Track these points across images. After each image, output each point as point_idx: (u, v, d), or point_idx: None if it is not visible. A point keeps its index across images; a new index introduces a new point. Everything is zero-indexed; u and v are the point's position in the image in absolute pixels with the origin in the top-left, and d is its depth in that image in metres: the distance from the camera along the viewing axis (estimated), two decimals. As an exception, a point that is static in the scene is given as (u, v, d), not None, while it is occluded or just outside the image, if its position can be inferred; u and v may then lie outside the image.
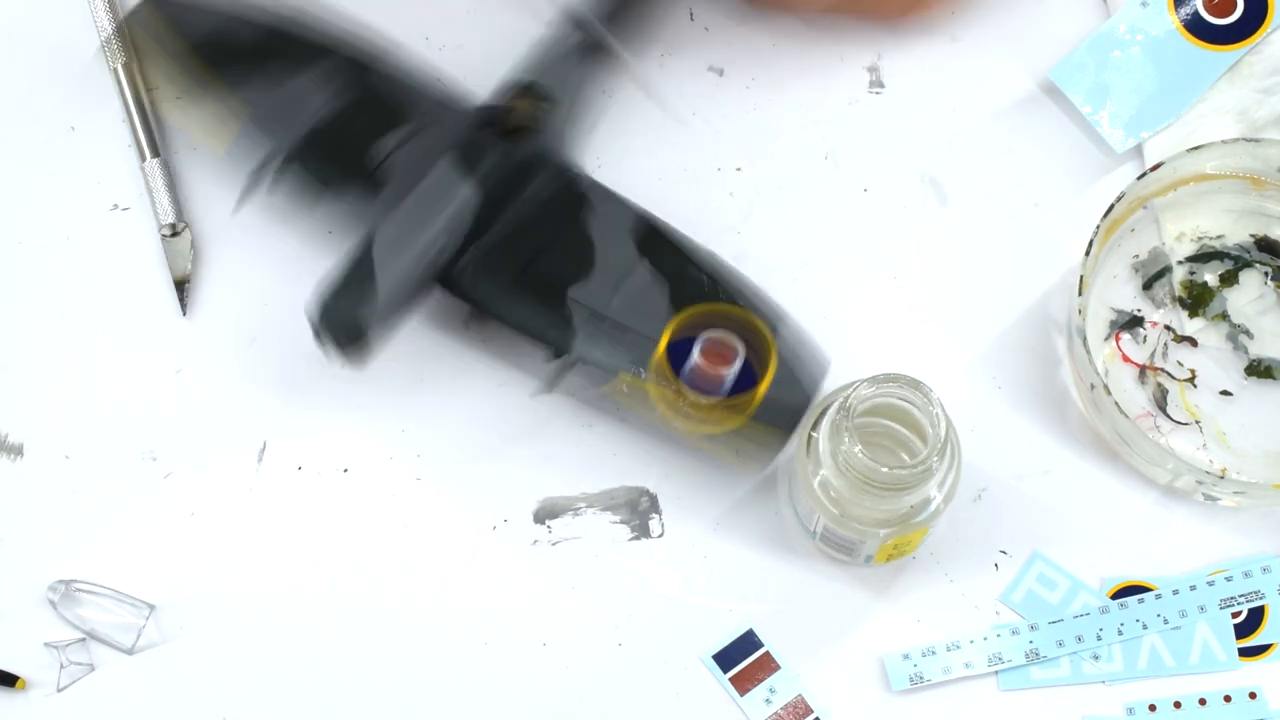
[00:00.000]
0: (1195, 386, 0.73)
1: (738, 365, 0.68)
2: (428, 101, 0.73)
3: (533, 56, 0.72)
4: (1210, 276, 0.74)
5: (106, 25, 0.78)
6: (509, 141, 0.70)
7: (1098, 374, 0.69)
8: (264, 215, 0.76)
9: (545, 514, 0.72)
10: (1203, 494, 0.70)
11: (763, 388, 0.68)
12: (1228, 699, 0.69)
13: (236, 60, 0.73)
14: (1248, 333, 0.74)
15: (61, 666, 0.69)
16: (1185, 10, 0.77)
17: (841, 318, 0.74)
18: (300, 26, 0.73)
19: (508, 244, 0.71)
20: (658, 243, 0.71)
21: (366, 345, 0.68)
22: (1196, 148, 0.72)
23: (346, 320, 0.68)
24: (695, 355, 0.68)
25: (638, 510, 0.71)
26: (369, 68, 0.73)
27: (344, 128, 0.72)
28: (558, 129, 0.72)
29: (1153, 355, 0.73)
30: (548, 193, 0.72)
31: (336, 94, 0.73)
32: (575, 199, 0.72)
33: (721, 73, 0.79)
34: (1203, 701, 0.69)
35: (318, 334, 0.68)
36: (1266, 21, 0.77)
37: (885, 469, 0.62)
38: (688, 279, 0.70)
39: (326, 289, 0.68)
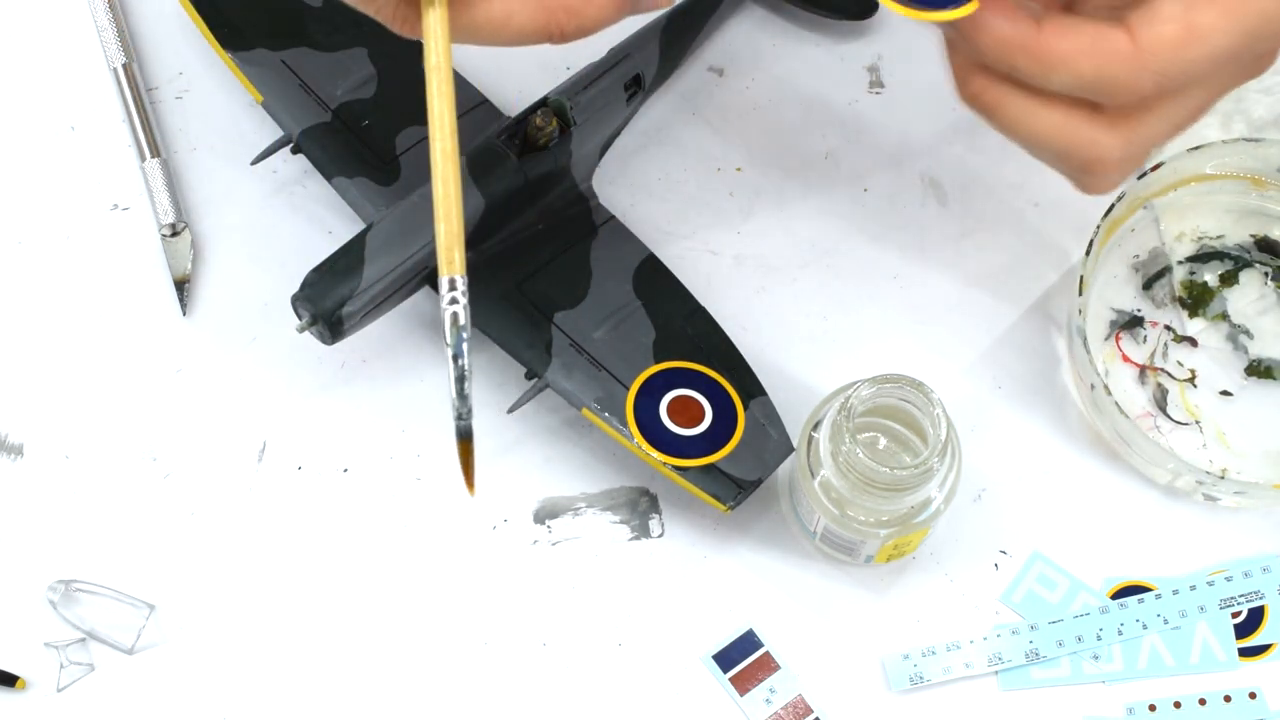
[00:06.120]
0: (1195, 386, 0.73)
1: (700, 429, 0.68)
2: (467, 106, 0.74)
3: (570, 80, 0.72)
4: (1210, 276, 0.74)
5: (107, 25, 0.78)
6: (524, 156, 0.70)
7: (1098, 374, 0.69)
8: (264, 215, 0.76)
9: (545, 514, 0.72)
10: (1203, 494, 0.70)
11: (718, 455, 0.68)
12: (1228, 699, 0.69)
13: (289, 25, 0.74)
14: (1248, 333, 0.74)
15: (61, 666, 0.69)
16: (1185, 10, 0.77)
17: (841, 318, 0.74)
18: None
19: (505, 258, 0.71)
20: (656, 288, 0.71)
21: (340, 326, 0.68)
22: (1196, 148, 0.72)
23: (324, 298, 0.67)
24: (661, 409, 0.68)
25: (638, 510, 0.71)
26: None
27: (380, 108, 0.73)
28: (578, 153, 0.72)
29: (1153, 355, 0.73)
30: (557, 215, 0.72)
31: (383, 73, 0.74)
32: (585, 227, 0.72)
33: (721, 73, 0.79)
34: (1203, 701, 0.69)
35: (293, 303, 0.68)
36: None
37: (886, 470, 0.62)
38: (675, 332, 0.70)
39: (317, 266, 0.69)
